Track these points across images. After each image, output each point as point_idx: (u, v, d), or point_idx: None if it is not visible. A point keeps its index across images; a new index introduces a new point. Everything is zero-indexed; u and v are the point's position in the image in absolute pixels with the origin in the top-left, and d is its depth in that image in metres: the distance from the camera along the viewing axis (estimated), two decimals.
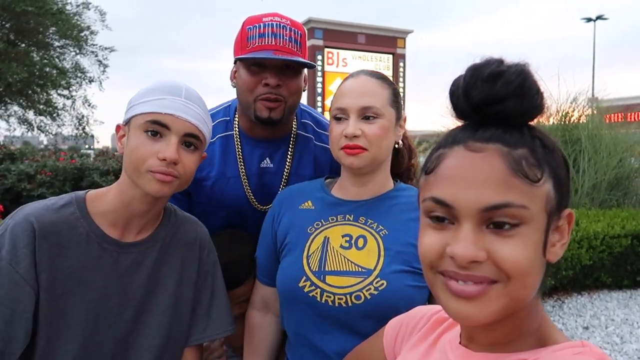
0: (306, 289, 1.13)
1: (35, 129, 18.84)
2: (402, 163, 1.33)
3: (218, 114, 1.49)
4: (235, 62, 1.40)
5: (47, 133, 18.73)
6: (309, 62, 1.36)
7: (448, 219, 0.57)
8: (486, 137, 0.56)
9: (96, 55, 17.96)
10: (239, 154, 1.44)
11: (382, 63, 18.92)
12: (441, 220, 0.58)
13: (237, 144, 1.44)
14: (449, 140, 0.60)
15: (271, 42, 1.31)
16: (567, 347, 0.58)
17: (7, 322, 0.95)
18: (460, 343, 0.67)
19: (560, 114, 6.83)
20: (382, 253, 1.14)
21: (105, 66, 18.15)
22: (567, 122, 6.73)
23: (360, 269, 1.12)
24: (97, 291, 1.04)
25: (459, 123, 0.61)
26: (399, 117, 1.22)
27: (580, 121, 6.79)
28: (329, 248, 1.16)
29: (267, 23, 1.33)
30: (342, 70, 17.98)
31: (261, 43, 1.31)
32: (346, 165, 1.17)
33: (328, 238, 1.18)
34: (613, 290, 4.82)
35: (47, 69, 16.78)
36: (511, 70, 0.55)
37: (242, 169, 1.44)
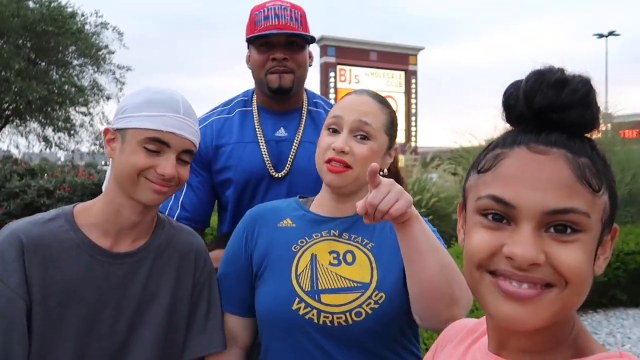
0: (301, 312, 1.06)
1: (54, 145, 19.19)
2: None
3: (238, 96, 1.67)
4: (248, 47, 1.59)
5: (65, 149, 19.07)
6: (309, 35, 1.53)
7: (505, 218, 0.56)
8: (551, 141, 0.56)
9: (113, 74, 18.34)
10: (256, 123, 1.58)
11: (394, 80, 19.00)
12: (498, 220, 0.56)
13: (255, 115, 1.60)
14: (508, 140, 0.59)
15: (275, 22, 1.49)
16: (604, 357, 0.56)
17: (3, 336, 0.95)
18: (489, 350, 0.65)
19: None
20: (374, 265, 1.10)
21: (122, 84, 18.51)
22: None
23: (355, 284, 1.08)
24: (90, 303, 1.03)
25: (480, 141, 0.63)
26: (391, 146, 1.20)
27: (593, 137, 6.75)
28: (317, 266, 1.11)
29: (270, 7, 1.52)
30: (355, 87, 18.06)
31: (266, 24, 1.50)
32: (327, 181, 1.14)
33: (315, 255, 1.13)
34: (629, 307, 4.76)
35: (66, 87, 17.15)
36: (576, 79, 0.55)
37: (259, 134, 1.57)
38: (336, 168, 1.11)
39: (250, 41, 1.55)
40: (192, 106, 1.12)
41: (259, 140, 1.56)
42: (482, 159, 0.61)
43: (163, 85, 1.16)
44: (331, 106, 1.63)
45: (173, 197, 1.55)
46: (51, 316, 1.00)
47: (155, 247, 1.12)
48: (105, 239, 1.06)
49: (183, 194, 1.55)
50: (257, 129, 1.57)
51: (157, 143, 1.03)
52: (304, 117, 1.62)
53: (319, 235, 1.16)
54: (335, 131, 1.15)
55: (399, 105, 19.15)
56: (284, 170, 1.55)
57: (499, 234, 0.56)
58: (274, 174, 1.54)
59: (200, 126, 1.53)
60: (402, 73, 19.12)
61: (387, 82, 19.01)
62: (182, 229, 1.21)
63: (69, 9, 16.86)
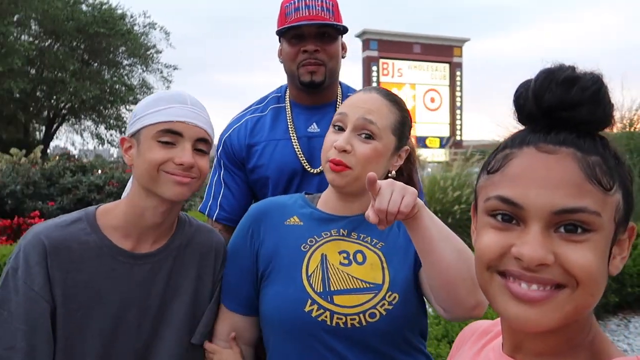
0: (314, 314, 1.03)
1: (106, 142, 20.07)
2: None
3: (272, 93, 1.65)
4: (279, 40, 1.56)
5: (117, 146, 19.92)
6: (341, 25, 1.48)
7: (514, 219, 0.55)
8: (559, 140, 0.54)
9: (161, 72, 18.96)
10: (289, 119, 1.56)
11: (438, 72, 18.64)
12: (506, 221, 0.55)
13: (288, 111, 1.57)
14: (517, 141, 0.58)
15: (305, 14, 1.46)
16: None
17: (29, 338, 0.97)
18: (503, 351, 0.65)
19: (624, 122, 6.48)
20: (385, 265, 1.08)
21: (170, 82, 19.12)
22: (632, 130, 6.37)
23: (368, 285, 1.06)
24: (114, 303, 1.04)
25: (518, 128, 0.60)
26: (400, 147, 1.15)
27: (628, 131, 6.40)
28: (328, 266, 1.08)
29: None
30: (398, 81, 17.86)
31: (297, 16, 1.46)
32: (329, 180, 1.12)
33: (325, 255, 1.10)
34: None
35: (117, 86, 17.90)
36: (587, 77, 0.54)
37: (291, 130, 1.54)
38: (337, 167, 1.09)
39: (281, 34, 1.52)
40: (199, 100, 1.13)
41: (291, 137, 1.53)
42: (491, 160, 0.60)
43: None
44: None
45: (212, 197, 1.58)
46: (74, 317, 1.01)
47: (175, 247, 1.12)
48: (126, 240, 1.07)
49: (221, 194, 1.57)
50: (289, 125, 1.55)
51: (170, 134, 1.04)
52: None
53: (328, 234, 1.13)
54: (340, 129, 1.12)
55: (443, 99, 18.77)
56: (320, 167, 1.48)
57: (508, 234, 0.55)
58: (309, 169, 1.51)
59: (235, 126, 1.56)
60: (447, 65, 18.72)
61: (430, 75, 18.67)
62: (201, 227, 1.21)
63: (119, 11, 17.57)
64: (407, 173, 1.23)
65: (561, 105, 0.54)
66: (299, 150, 1.51)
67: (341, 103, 1.55)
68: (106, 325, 1.04)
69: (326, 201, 1.19)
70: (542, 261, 0.52)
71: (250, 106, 1.63)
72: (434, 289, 0.99)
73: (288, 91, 1.61)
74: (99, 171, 8.13)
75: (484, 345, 0.73)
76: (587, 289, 0.52)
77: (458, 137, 18.15)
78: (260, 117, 1.58)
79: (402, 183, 0.93)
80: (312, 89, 1.50)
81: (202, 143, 1.08)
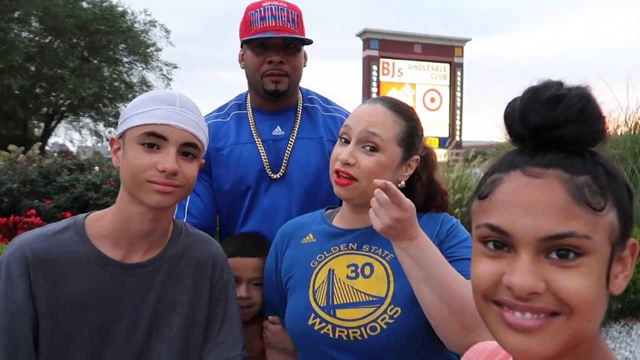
0: (316, 327, 1.07)
1: (104, 139, 20.05)
2: (416, 200, 1.15)
3: (231, 101, 1.65)
4: (242, 46, 1.55)
5: None
6: (306, 38, 1.50)
7: (505, 245, 0.54)
8: (545, 162, 0.54)
9: (161, 70, 18.93)
10: (252, 124, 1.56)
11: (438, 72, 18.60)
12: (497, 248, 0.55)
13: (250, 117, 1.57)
14: (505, 164, 0.57)
15: (271, 24, 1.45)
16: None
17: (9, 352, 0.95)
18: None
19: (629, 125, 6.42)
20: (391, 278, 1.07)
21: (170, 80, 19.08)
22: (637, 133, 6.31)
23: (370, 298, 1.06)
24: (103, 315, 1.01)
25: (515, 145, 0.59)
26: (408, 157, 1.14)
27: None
28: (335, 280, 1.11)
29: (266, 7, 1.48)
30: (398, 80, 17.83)
31: (263, 25, 1.45)
32: (335, 193, 1.13)
33: (333, 270, 1.12)
34: None
35: (116, 84, 17.87)
36: (572, 93, 0.53)
37: (255, 135, 1.54)
38: (342, 181, 1.10)
39: (245, 41, 1.51)
40: (191, 102, 1.07)
41: (256, 141, 1.53)
42: (482, 184, 0.59)
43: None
44: (326, 100, 1.67)
45: (177, 205, 1.51)
46: (62, 329, 0.98)
47: (169, 257, 1.09)
48: (116, 250, 1.03)
49: (188, 200, 1.51)
50: (252, 130, 1.55)
51: (153, 137, 0.98)
52: (300, 114, 1.59)
53: (337, 249, 1.16)
54: (347, 141, 1.12)
55: (443, 99, 18.74)
56: (281, 170, 1.52)
57: (499, 262, 0.55)
58: (271, 175, 1.51)
59: None
60: (447, 65, 18.69)
61: (431, 74, 18.64)
62: (198, 236, 1.18)
63: (120, 8, 17.54)
64: (426, 177, 1.21)
65: (547, 125, 0.53)
66: (264, 154, 1.51)
67: (302, 105, 1.61)
68: (94, 336, 1.00)
69: (342, 214, 1.22)
70: (533, 290, 0.51)
71: (210, 113, 1.62)
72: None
73: (249, 98, 1.61)
74: (97, 169, 8.08)
75: None
76: (582, 315, 0.52)
77: (457, 138, 18.11)
78: (223, 123, 1.58)
79: (400, 216, 0.96)
80: (275, 97, 1.51)
81: (189, 147, 1.02)
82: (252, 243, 1.42)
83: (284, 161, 1.52)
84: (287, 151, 1.53)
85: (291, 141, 1.54)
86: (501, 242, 0.55)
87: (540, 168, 0.53)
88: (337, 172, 1.11)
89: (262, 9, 1.47)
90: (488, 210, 0.56)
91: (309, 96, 1.66)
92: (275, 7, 1.47)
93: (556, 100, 0.53)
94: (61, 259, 0.99)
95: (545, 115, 0.53)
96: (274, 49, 1.46)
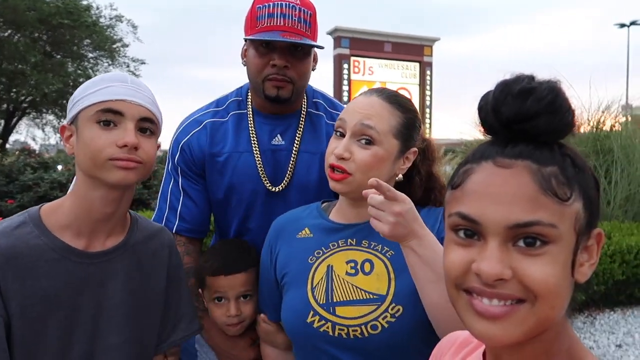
0: (315, 324, 1.05)
1: None
2: (414, 194, 1.17)
3: (231, 94, 1.52)
4: (245, 41, 1.42)
5: None
6: (316, 44, 1.36)
7: (475, 234, 0.56)
8: (515, 153, 0.55)
9: (128, 66, 18.48)
10: (251, 130, 1.44)
11: (408, 71, 18.81)
12: (468, 237, 0.57)
13: (250, 120, 1.45)
14: (477, 155, 0.59)
15: (279, 23, 1.31)
16: None
17: None
18: None
19: (591, 123, 6.64)
20: (392, 276, 1.06)
21: (137, 76, 18.63)
22: (599, 131, 6.54)
23: (371, 296, 1.04)
24: (70, 307, 1.00)
25: (488, 137, 0.61)
26: (405, 150, 1.12)
27: (613, 130, 6.58)
28: (334, 277, 1.08)
29: (276, 3, 1.32)
30: (369, 79, 17.94)
31: (270, 23, 1.31)
32: (331, 188, 1.11)
33: (332, 266, 1.10)
34: None
35: (81, 80, 17.31)
36: (542, 86, 0.54)
37: (254, 143, 1.43)
38: (336, 175, 1.08)
39: (248, 39, 1.37)
40: (143, 82, 1.06)
41: (254, 150, 1.43)
42: (455, 175, 0.61)
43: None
44: (332, 104, 1.56)
45: (168, 208, 1.46)
46: (34, 327, 0.96)
47: (132, 244, 1.09)
48: (78, 239, 1.01)
49: (180, 203, 1.44)
50: (252, 137, 1.44)
51: (110, 113, 0.96)
52: (303, 123, 1.47)
53: (336, 244, 1.13)
54: (342, 135, 1.10)
55: (413, 97, 18.96)
56: (282, 184, 1.43)
57: (470, 250, 0.57)
58: (270, 187, 1.42)
59: (195, 130, 1.43)
60: (417, 64, 18.92)
61: (401, 73, 18.84)
62: (151, 224, 1.19)
63: (84, 2, 17.01)
64: (425, 170, 1.19)
65: (518, 117, 0.55)
66: (260, 166, 1.41)
67: (306, 112, 1.48)
68: (62, 331, 0.99)
69: (339, 208, 1.18)
70: (500, 276, 0.53)
71: (208, 107, 1.50)
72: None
73: (250, 97, 1.48)
74: (61, 167, 7.85)
75: (465, 357, 0.73)
76: (546, 302, 0.53)
77: (427, 136, 18.37)
78: (222, 123, 1.45)
79: (400, 210, 0.94)
80: (277, 104, 1.39)
81: (146, 123, 1.00)
82: (234, 259, 1.34)
83: (287, 176, 1.43)
84: (290, 165, 1.43)
85: (294, 154, 1.44)
86: (471, 231, 0.56)
87: (510, 159, 0.55)
88: (331, 166, 1.08)
89: (271, 4, 1.32)
90: (460, 199, 0.58)
91: (314, 99, 1.53)
92: (286, 4, 1.32)
93: (527, 93, 0.54)
94: (25, 254, 0.96)
95: (517, 108, 0.55)
96: (279, 51, 1.32)
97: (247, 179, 1.42)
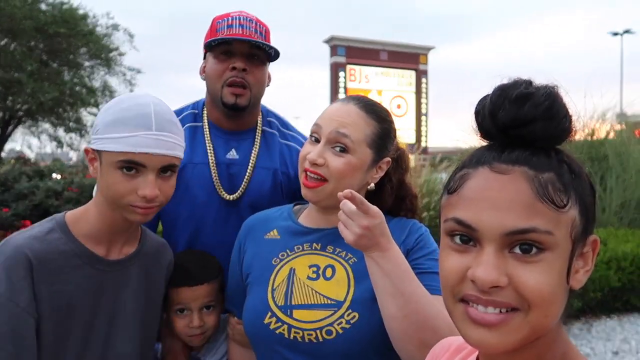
0: (272, 326, 1.05)
1: (65, 146, 19.40)
2: (385, 202, 1.17)
3: (187, 107, 1.57)
4: (204, 57, 1.50)
5: (76, 150, 19.26)
6: (273, 46, 1.43)
7: (471, 240, 0.56)
8: (512, 159, 0.55)
9: (124, 75, 18.48)
10: (207, 142, 1.49)
11: (404, 79, 18.92)
12: (464, 242, 0.56)
13: (206, 132, 1.50)
14: (474, 160, 0.58)
15: (238, 32, 1.41)
16: None
17: (17, 357, 0.95)
18: None
19: (586, 130, 6.68)
20: (352, 282, 1.05)
21: (133, 85, 18.63)
22: (593, 139, 6.58)
23: (329, 301, 1.04)
24: (89, 312, 1.05)
25: (484, 142, 0.61)
26: (379, 159, 1.12)
27: (608, 137, 6.62)
28: (295, 280, 1.08)
29: (234, 17, 1.43)
30: (365, 87, 18.03)
31: (229, 32, 1.41)
32: (303, 194, 1.11)
33: (294, 269, 1.10)
34: None
35: (77, 88, 17.31)
36: (540, 92, 0.54)
37: (210, 155, 1.47)
38: (310, 183, 1.08)
39: (209, 48, 1.44)
40: (167, 114, 1.06)
41: (210, 162, 1.46)
42: (451, 179, 0.61)
43: (137, 94, 1.14)
44: (284, 124, 1.62)
45: None
46: (59, 329, 1.01)
47: (143, 254, 1.16)
48: (99, 247, 1.08)
49: None
50: (208, 149, 1.48)
51: (130, 164, 1.00)
52: (258, 140, 1.53)
53: (301, 248, 1.14)
54: (317, 140, 1.10)
55: (409, 105, 19.06)
56: (238, 193, 1.46)
57: (466, 256, 0.56)
58: (225, 196, 1.45)
59: None
60: (413, 72, 19.04)
61: (397, 81, 18.95)
62: (158, 238, 1.27)
63: (81, 11, 17.03)
64: (397, 179, 1.19)
65: (515, 122, 0.54)
66: (215, 177, 1.45)
67: (261, 130, 1.54)
68: (81, 335, 1.04)
69: (309, 212, 1.19)
70: (495, 283, 0.52)
71: None
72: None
73: (206, 110, 1.53)
74: (58, 176, 7.83)
75: None
76: (540, 311, 0.53)
77: (424, 144, 18.43)
78: None
79: (369, 223, 0.94)
80: (234, 112, 1.44)
81: (167, 168, 1.05)
82: (197, 270, 1.33)
83: (242, 187, 1.47)
84: (246, 177, 1.47)
85: (250, 168, 1.48)
86: (467, 236, 0.56)
87: (507, 165, 0.55)
88: (306, 171, 1.08)
89: (230, 17, 1.43)
90: (456, 204, 0.57)
91: (268, 118, 1.60)
92: (243, 18, 1.43)
93: (524, 98, 0.54)
94: (56, 259, 1.01)
95: (513, 113, 0.54)
96: (239, 56, 1.40)
97: (202, 190, 1.45)
